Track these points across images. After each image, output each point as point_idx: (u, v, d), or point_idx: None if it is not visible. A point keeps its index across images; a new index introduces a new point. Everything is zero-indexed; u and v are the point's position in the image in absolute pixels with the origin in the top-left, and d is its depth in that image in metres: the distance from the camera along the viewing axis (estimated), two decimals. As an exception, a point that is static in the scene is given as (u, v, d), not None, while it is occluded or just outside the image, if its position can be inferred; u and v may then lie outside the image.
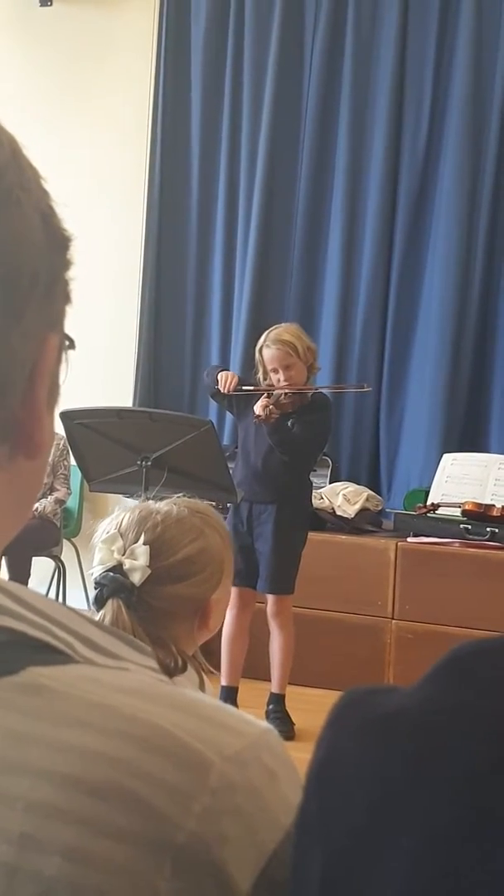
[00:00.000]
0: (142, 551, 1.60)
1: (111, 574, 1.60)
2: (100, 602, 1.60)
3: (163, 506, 1.69)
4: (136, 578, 1.59)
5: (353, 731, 0.50)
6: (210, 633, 1.70)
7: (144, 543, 1.61)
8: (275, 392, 3.97)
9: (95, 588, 1.62)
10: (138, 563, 1.59)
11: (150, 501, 1.71)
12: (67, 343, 0.60)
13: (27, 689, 0.52)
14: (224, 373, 4.15)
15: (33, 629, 0.54)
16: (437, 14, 5.34)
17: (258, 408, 3.93)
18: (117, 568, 1.60)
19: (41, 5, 6.16)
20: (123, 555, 1.61)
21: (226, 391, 4.09)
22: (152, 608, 1.60)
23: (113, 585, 1.59)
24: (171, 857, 0.49)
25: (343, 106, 5.54)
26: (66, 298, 0.60)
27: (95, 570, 1.62)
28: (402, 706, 0.50)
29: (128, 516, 1.67)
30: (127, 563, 1.60)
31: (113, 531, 1.65)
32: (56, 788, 0.50)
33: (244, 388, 4.09)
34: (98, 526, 1.70)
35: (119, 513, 1.69)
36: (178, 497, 1.72)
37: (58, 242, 0.58)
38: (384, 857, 0.46)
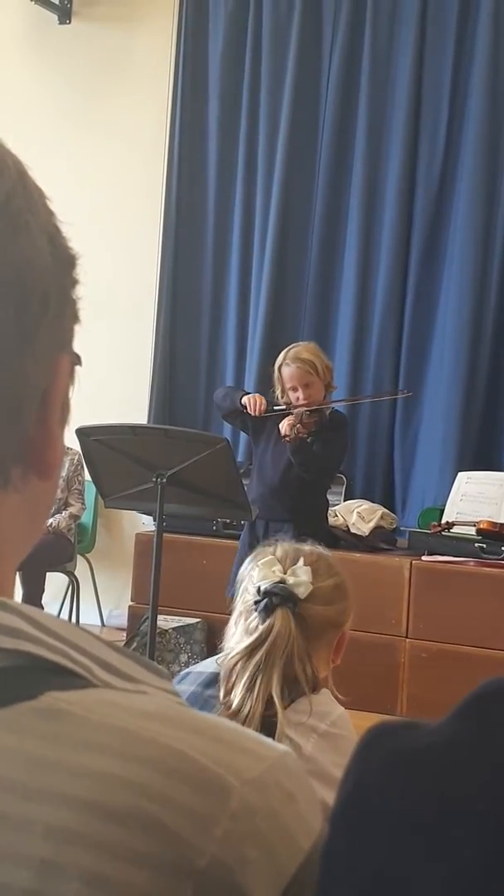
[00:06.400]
0: (304, 570, 1.79)
1: (281, 584, 1.75)
2: (268, 610, 1.75)
3: (305, 545, 1.90)
4: (301, 592, 1.76)
5: (380, 767, 0.50)
6: (334, 665, 1.90)
7: (305, 565, 1.80)
8: (296, 410, 3.97)
9: (262, 598, 1.77)
10: (302, 579, 1.77)
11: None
12: (75, 360, 0.61)
13: (46, 714, 0.52)
14: (250, 396, 4.12)
15: (51, 653, 0.54)
16: (453, 38, 5.34)
17: (286, 427, 3.93)
18: (282, 582, 1.77)
19: (60, 23, 6.21)
20: (285, 573, 1.78)
21: (256, 414, 4.08)
22: (307, 626, 1.77)
23: (283, 594, 1.76)
24: (193, 881, 0.49)
25: (359, 126, 5.55)
26: (75, 317, 0.60)
27: (261, 585, 1.77)
28: (430, 742, 0.49)
29: (279, 549, 1.87)
30: (291, 580, 1.77)
31: (269, 557, 1.82)
32: (75, 813, 0.49)
33: (275, 408, 4.09)
34: (246, 566, 1.87)
35: (266, 548, 1.89)
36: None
37: (65, 262, 0.59)
38: (412, 894, 0.46)
